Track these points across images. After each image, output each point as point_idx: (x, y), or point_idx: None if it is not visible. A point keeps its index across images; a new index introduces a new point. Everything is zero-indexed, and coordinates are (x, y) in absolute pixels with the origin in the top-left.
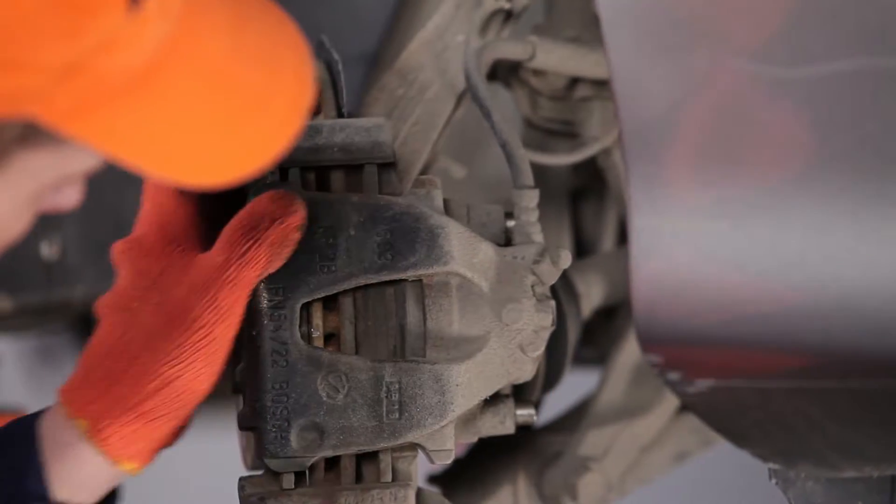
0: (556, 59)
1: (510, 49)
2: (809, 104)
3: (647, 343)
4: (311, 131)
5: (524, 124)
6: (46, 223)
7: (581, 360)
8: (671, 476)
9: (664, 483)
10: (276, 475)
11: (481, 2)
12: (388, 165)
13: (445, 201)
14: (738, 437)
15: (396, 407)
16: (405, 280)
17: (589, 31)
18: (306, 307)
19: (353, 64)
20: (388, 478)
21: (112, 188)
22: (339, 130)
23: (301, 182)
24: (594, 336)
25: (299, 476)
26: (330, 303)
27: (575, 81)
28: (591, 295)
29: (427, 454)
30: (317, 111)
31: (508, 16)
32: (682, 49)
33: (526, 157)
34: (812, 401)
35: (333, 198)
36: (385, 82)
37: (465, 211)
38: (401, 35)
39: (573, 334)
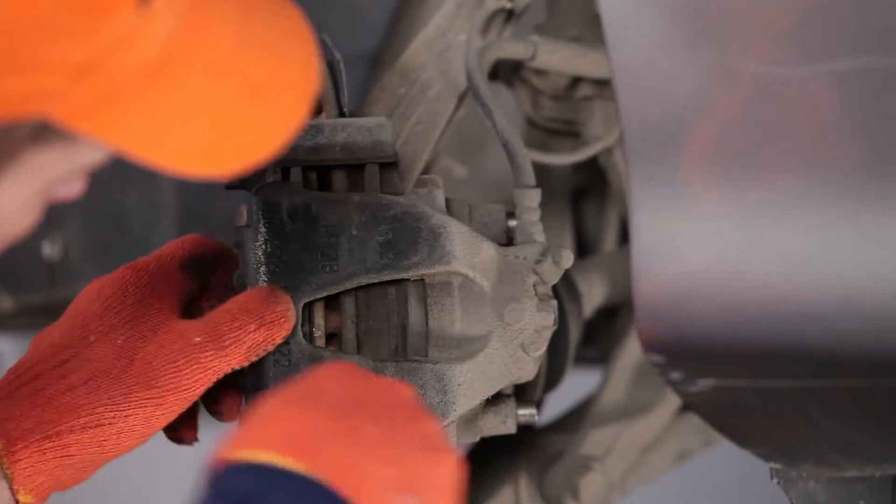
0: (557, 58)
1: (512, 49)
2: (813, 104)
3: (649, 342)
4: (312, 130)
5: (526, 123)
6: (48, 223)
7: (583, 360)
8: (673, 476)
9: (666, 483)
10: None
11: (483, 1)
12: (389, 165)
13: (447, 201)
14: (739, 436)
15: None
16: (407, 280)
17: (590, 31)
18: (308, 307)
19: (355, 63)
20: None
21: (115, 188)
22: (341, 130)
23: (303, 181)
24: (596, 336)
25: None
26: (332, 302)
27: (577, 81)
28: (593, 294)
29: None
30: (318, 110)
31: (510, 15)
32: (685, 49)
33: (528, 157)
34: (814, 400)
35: (335, 197)
36: (387, 82)
37: (466, 210)
38: (402, 34)
39: (575, 334)
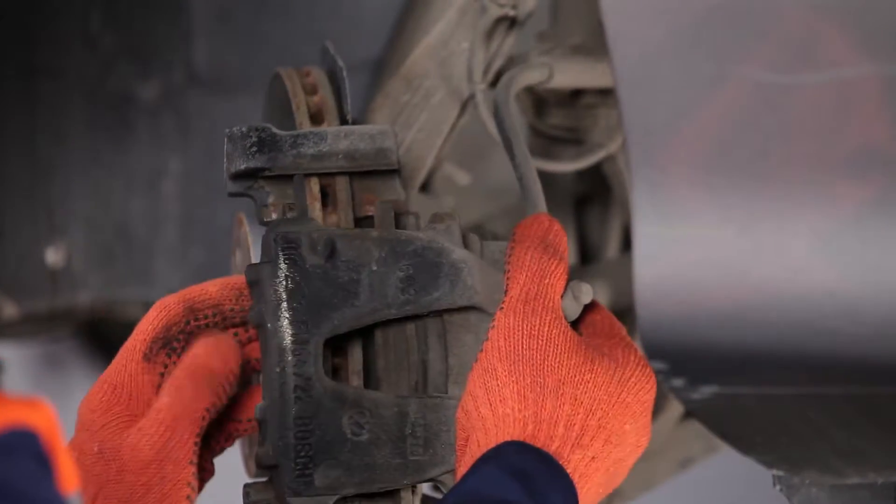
0: (570, 77)
1: (530, 76)
2: (814, 111)
3: (651, 349)
4: (315, 138)
5: (529, 131)
6: (52, 230)
7: None
8: (675, 483)
9: (669, 490)
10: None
11: (486, 9)
12: (392, 172)
13: (462, 236)
14: (742, 443)
15: (421, 443)
16: (426, 316)
17: (593, 38)
18: (341, 343)
19: (358, 70)
20: None
21: (118, 195)
22: (344, 137)
23: (305, 189)
24: None
25: None
26: (343, 342)
27: (580, 89)
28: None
29: (444, 489)
30: (321, 118)
31: (513, 23)
32: (688, 56)
33: (541, 194)
34: (817, 407)
35: (353, 233)
36: (390, 89)
37: (479, 247)
38: (405, 42)
39: None
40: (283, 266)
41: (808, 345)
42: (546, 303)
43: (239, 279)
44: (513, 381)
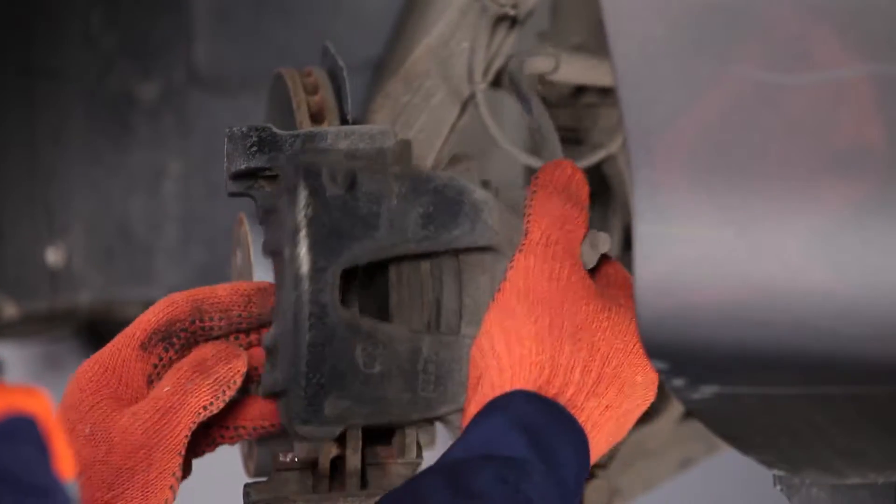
0: (575, 71)
1: (539, 63)
2: (814, 111)
3: (652, 349)
4: (315, 138)
5: (529, 131)
6: (52, 230)
7: None
8: (676, 482)
9: (669, 490)
10: (281, 481)
11: (486, 8)
12: None
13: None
14: (742, 443)
15: (432, 380)
16: (441, 254)
17: (594, 38)
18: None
19: (358, 70)
20: (413, 454)
21: (118, 195)
22: (344, 137)
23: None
24: None
25: (303, 483)
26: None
27: (581, 89)
28: None
29: (452, 430)
30: (321, 118)
31: (513, 22)
32: (688, 56)
33: (559, 144)
34: (817, 407)
35: (373, 167)
36: (390, 89)
37: (494, 192)
38: (406, 42)
39: None
40: (303, 194)
41: (808, 345)
42: (567, 248)
43: (249, 285)
44: (531, 322)
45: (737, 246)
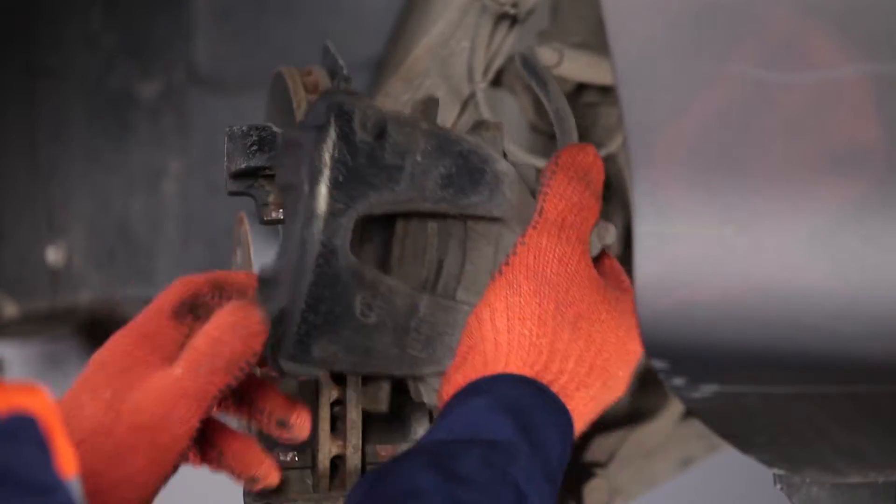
0: (578, 67)
1: (545, 55)
2: (815, 110)
3: (652, 348)
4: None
5: (529, 130)
6: (52, 229)
7: None
8: (676, 481)
9: (669, 489)
10: (282, 481)
11: (486, 8)
12: None
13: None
14: (742, 442)
15: (422, 340)
16: (450, 217)
17: (595, 37)
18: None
19: (359, 70)
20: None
21: (118, 195)
22: None
23: None
24: None
25: (303, 482)
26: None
27: (581, 87)
28: None
29: (428, 391)
30: None
31: (513, 22)
32: (688, 55)
33: (575, 127)
34: (817, 406)
35: (403, 118)
36: (390, 88)
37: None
38: (406, 41)
39: None
40: (332, 133)
41: (808, 344)
42: (579, 235)
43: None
44: (535, 303)
45: (737, 244)
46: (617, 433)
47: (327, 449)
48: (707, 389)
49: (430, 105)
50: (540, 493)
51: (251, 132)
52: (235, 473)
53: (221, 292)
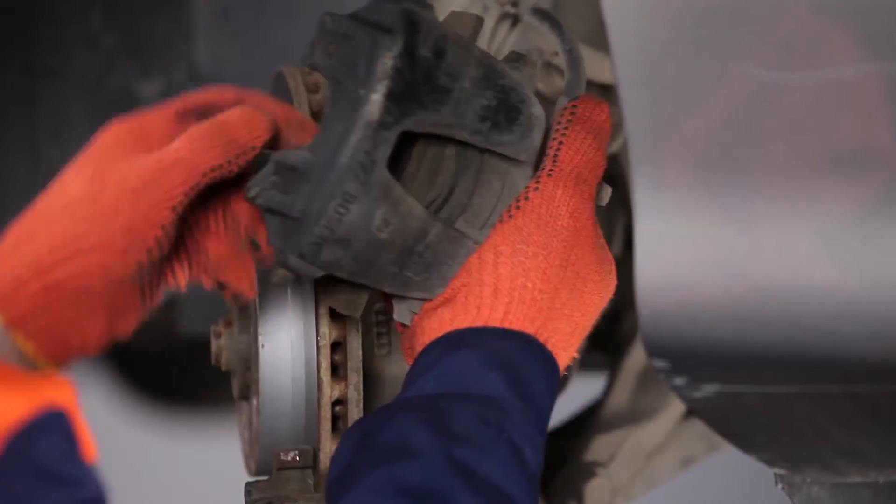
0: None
1: (551, 42)
2: (816, 110)
3: (653, 347)
4: None
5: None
6: None
7: (587, 365)
8: (677, 481)
9: (670, 488)
10: (282, 480)
11: (487, 7)
12: None
13: None
14: (743, 441)
15: (422, 264)
16: (470, 147)
17: (596, 36)
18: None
19: None
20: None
21: None
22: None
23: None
24: (601, 341)
25: (304, 481)
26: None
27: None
28: None
29: (402, 311)
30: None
31: (515, 21)
32: (689, 54)
33: (585, 76)
34: (818, 406)
35: (463, 40)
36: None
37: (543, 113)
38: None
39: None
40: (399, 42)
41: (809, 343)
42: (590, 192)
43: (297, 116)
44: (543, 254)
45: (737, 244)
46: (618, 433)
47: (328, 448)
48: (708, 389)
49: (477, 25)
50: (534, 447)
51: None
52: (216, 279)
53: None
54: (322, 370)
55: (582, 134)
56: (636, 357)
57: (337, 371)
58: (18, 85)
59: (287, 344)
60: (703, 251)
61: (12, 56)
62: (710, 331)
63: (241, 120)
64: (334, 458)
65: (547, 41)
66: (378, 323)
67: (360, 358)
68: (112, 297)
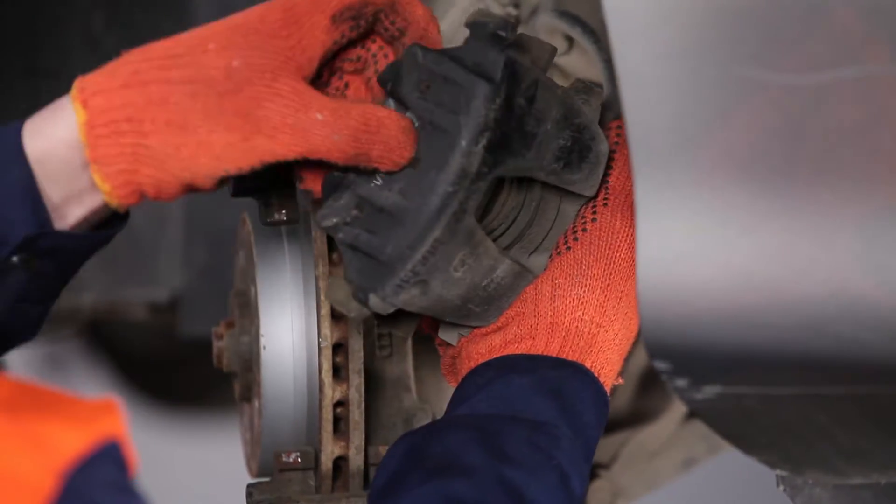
0: (586, 61)
1: (556, 41)
2: (818, 112)
3: (655, 349)
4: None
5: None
6: None
7: None
8: (679, 483)
9: (672, 490)
10: (284, 481)
11: (489, 8)
12: None
13: None
14: (745, 443)
15: (485, 297)
16: (542, 183)
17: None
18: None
19: None
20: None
21: None
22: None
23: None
24: None
25: (306, 483)
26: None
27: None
28: None
29: (447, 331)
30: None
31: (517, 22)
32: (691, 57)
33: None
34: (820, 407)
35: (550, 82)
36: None
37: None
38: None
39: None
40: (502, 93)
41: (811, 345)
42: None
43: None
44: (601, 287)
45: (740, 245)
46: (619, 434)
47: (330, 450)
48: (710, 391)
49: (551, 57)
50: (581, 476)
51: None
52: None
53: (397, 20)
54: (323, 372)
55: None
56: (638, 358)
57: (338, 372)
58: (20, 86)
59: (288, 345)
60: (705, 252)
61: (14, 58)
62: (711, 332)
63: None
64: (381, 467)
65: (557, 40)
66: (379, 324)
67: (362, 359)
68: (213, 120)
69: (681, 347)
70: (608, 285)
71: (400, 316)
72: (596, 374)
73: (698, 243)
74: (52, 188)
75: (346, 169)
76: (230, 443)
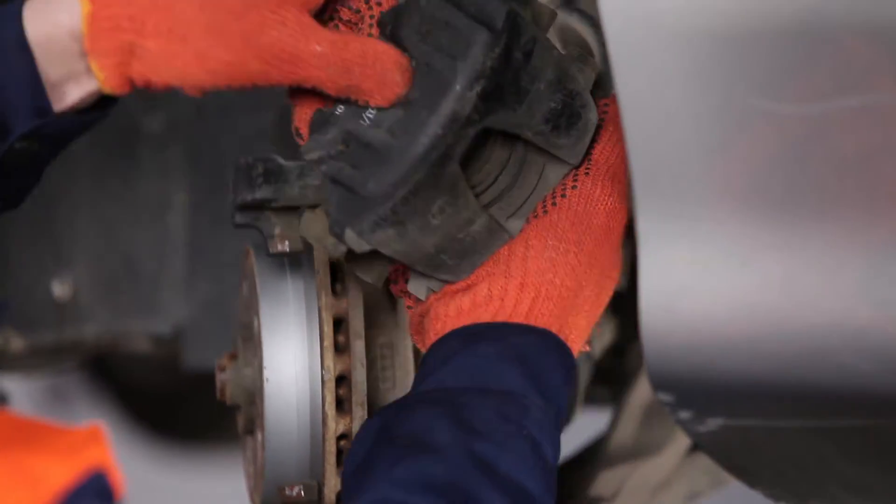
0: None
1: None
2: (822, 142)
3: (658, 381)
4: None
5: None
6: (58, 262)
7: (592, 400)
8: None
9: None
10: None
11: None
12: None
13: None
14: (749, 476)
15: (459, 250)
16: (519, 140)
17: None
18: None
19: None
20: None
21: (124, 227)
22: None
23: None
24: (605, 375)
25: (309, 488)
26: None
27: None
28: (603, 333)
29: (418, 284)
30: None
31: None
32: (694, 85)
33: None
34: (824, 440)
35: (548, 42)
36: None
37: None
38: None
39: (584, 373)
40: (501, 42)
41: (815, 377)
42: (624, 190)
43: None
44: (574, 251)
45: (743, 276)
46: (622, 468)
47: (333, 483)
48: (713, 423)
49: (551, 19)
50: (552, 442)
51: (257, 164)
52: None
53: None
54: (327, 404)
55: (616, 133)
56: (641, 391)
57: (342, 405)
58: None
59: (292, 378)
60: (708, 283)
61: None
62: (715, 364)
63: None
64: (352, 448)
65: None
66: (382, 357)
67: (365, 392)
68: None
69: (684, 379)
70: (581, 250)
71: (373, 261)
72: (563, 339)
73: (701, 274)
74: (51, 70)
75: (338, 100)
76: (234, 476)
